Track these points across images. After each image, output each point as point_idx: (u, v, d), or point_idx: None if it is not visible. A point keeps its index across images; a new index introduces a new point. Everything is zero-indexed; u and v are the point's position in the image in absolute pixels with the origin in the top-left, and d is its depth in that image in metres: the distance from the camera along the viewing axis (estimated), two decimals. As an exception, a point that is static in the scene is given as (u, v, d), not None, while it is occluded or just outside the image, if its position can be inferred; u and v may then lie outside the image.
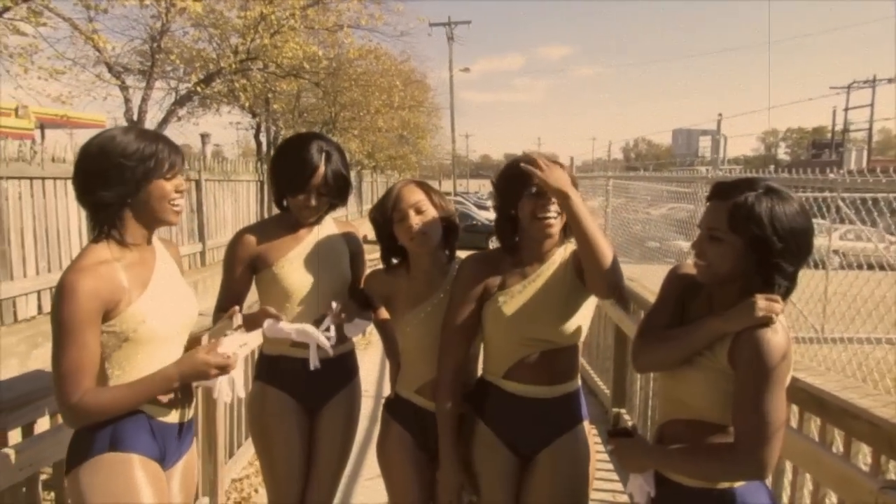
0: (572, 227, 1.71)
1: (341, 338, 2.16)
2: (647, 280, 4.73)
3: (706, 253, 1.51)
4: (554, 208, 1.78)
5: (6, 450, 1.80)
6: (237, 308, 1.93)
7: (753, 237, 1.44)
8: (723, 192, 1.50)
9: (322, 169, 2.09)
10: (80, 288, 1.51)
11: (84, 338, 1.51)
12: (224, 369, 1.68)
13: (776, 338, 1.43)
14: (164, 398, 1.71)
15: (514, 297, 1.87)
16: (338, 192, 2.16)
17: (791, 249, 1.44)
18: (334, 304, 2.08)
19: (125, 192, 1.61)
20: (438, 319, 1.96)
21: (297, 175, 2.08)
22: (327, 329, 2.07)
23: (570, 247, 1.91)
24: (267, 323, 2.02)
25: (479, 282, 1.90)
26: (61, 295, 1.51)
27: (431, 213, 1.99)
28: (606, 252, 1.70)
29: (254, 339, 1.89)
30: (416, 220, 1.96)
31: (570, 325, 1.86)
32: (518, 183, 1.80)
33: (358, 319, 2.14)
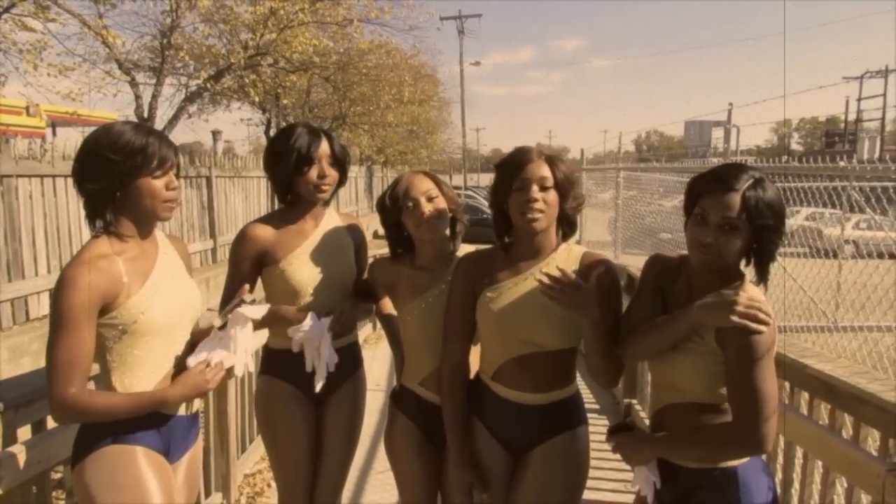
0: (585, 342, 1.71)
1: (347, 329, 2.17)
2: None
3: (718, 243, 1.50)
4: (539, 205, 1.72)
5: (15, 447, 1.80)
6: (247, 287, 1.90)
7: (762, 225, 1.47)
8: (726, 181, 1.50)
9: (324, 140, 2.13)
10: (79, 281, 1.52)
11: (80, 331, 1.51)
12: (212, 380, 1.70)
13: (760, 296, 1.47)
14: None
15: (503, 294, 1.82)
16: (342, 165, 2.18)
17: (780, 228, 1.50)
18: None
19: (111, 186, 1.60)
20: (440, 310, 1.95)
21: (304, 148, 2.08)
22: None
23: (577, 249, 1.86)
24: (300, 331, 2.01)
25: (473, 278, 1.88)
26: (61, 287, 1.52)
27: (441, 201, 1.99)
28: (613, 374, 1.74)
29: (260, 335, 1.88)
30: (426, 208, 1.96)
31: (562, 329, 1.77)
32: (506, 176, 1.77)
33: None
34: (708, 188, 1.53)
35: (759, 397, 1.44)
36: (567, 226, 1.85)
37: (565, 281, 1.61)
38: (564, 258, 1.83)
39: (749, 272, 1.59)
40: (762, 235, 1.49)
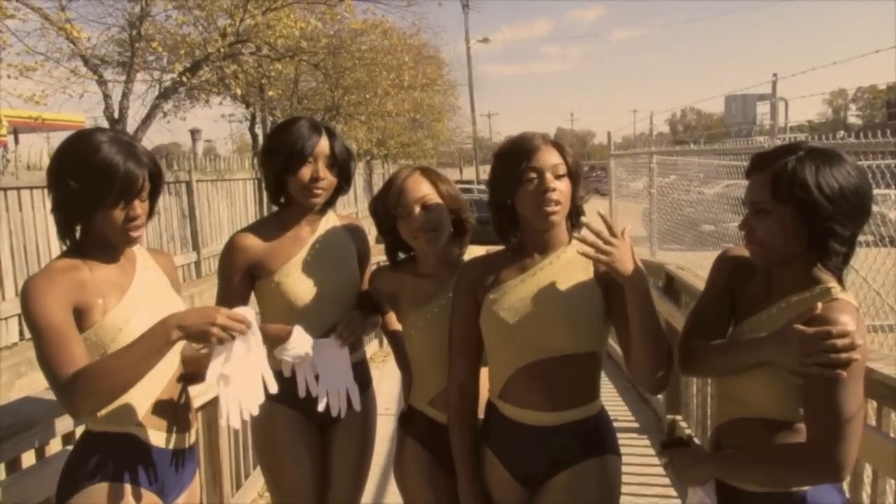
0: (631, 319, 1.65)
1: (352, 347, 2.18)
2: (701, 268, 4.68)
3: (755, 230, 1.51)
4: (556, 195, 1.70)
5: (-11, 488, 1.85)
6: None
7: (801, 203, 1.44)
8: (761, 163, 1.51)
9: (324, 138, 2.12)
10: (43, 284, 1.58)
11: (60, 323, 1.55)
12: (228, 333, 1.61)
13: (846, 321, 1.42)
14: (161, 423, 1.75)
15: (507, 294, 1.79)
16: (343, 168, 2.18)
17: (844, 211, 1.44)
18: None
19: (72, 215, 1.66)
20: (446, 322, 1.94)
21: (298, 144, 2.07)
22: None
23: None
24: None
25: (475, 286, 1.86)
26: (27, 299, 1.57)
27: (439, 208, 1.97)
28: (662, 368, 1.66)
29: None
30: (422, 218, 1.95)
31: (577, 327, 1.73)
32: (511, 167, 1.74)
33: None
34: (750, 171, 1.55)
35: (840, 418, 1.41)
36: (576, 217, 1.85)
37: (601, 240, 1.59)
38: (574, 253, 1.79)
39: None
40: (807, 219, 1.45)
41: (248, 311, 1.71)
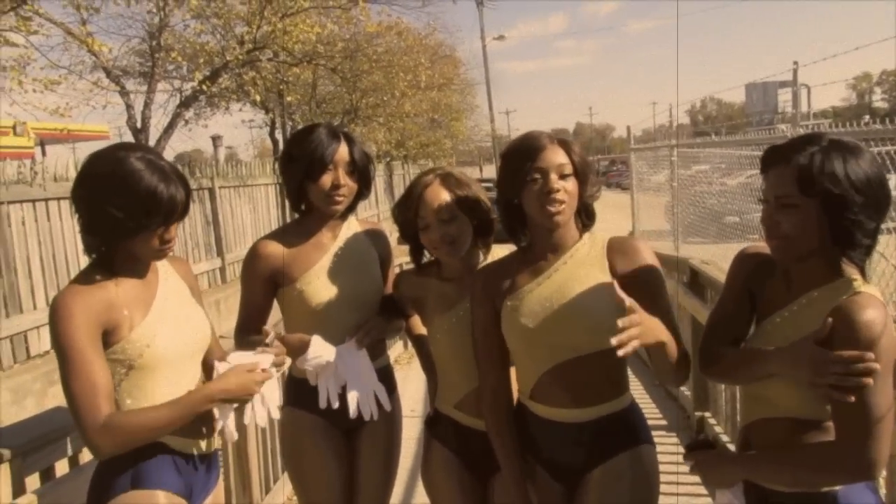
0: (655, 359, 1.71)
1: (376, 353, 2.20)
2: (725, 261, 4.62)
3: (780, 225, 1.48)
4: (560, 195, 1.70)
5: (25, 497, 1.88)
6: (267, 329, 1.97)
7: (829, 196, 1.42)
8: (779, 156, 1.49)
9: (343, 144, 2.13)
10: (73, 306, 1.59)
11: (89, 355, 1.57)
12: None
13: (872, 314, 1.40)
14: (189, 430, 1.76)
15: (525, 299, 1.80)
16: (363, 173, 2.18)
17: (870, 203, 1.43)
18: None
19: (108, 240, 1.67)
20: (471, 325, 1.94)
21: (318, 151, 2.08)
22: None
23: (601, 238, 1.84)
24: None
25: (491, 294, 1.86)
26: (56, 317, 1.58)
27: (460, 219, 1.96)
28: (682, 373, 1.74)
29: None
30: (441, 231, 1.94)
31: (597, 326, 1.69)
32: (517, 167, 1.74)
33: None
34: (767, 164, 1.53)
35: (869, 415, 1.39)
36: (586, 215, 1.84)
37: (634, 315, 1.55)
38: (587, 250, 1.81)
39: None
40: (832, 211, 1.44)
41: (270, 355, 1.85)
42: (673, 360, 1.66)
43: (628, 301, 1.54)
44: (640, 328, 1.51)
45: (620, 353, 1.47)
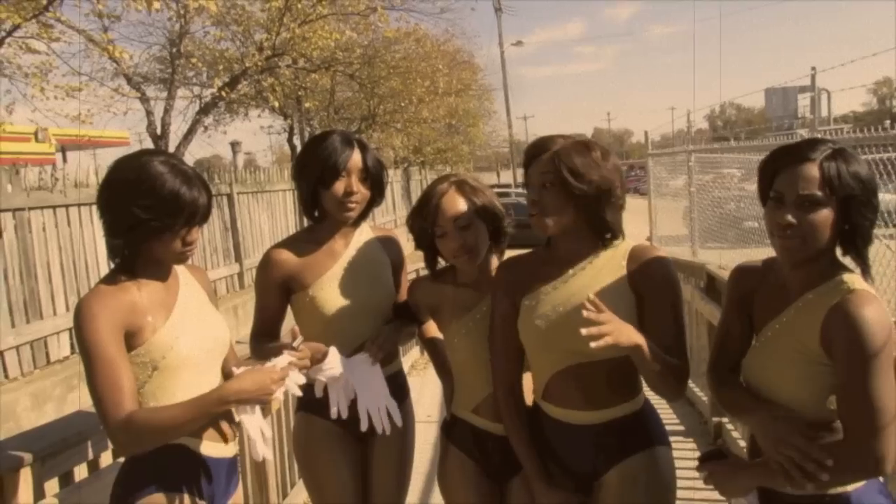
0: (638, 367, 1.71)
1: (388, 358, 2.20)
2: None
3: (801, 224, 1.47)
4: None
5: (46, 501, 1.90)
6: (296, 329, 2.02)
7: (849, 196, 1.45)
8: (799, 155, 1.49)
9: (357, 151, 2.13)
10: (96, 307, 1.63)
11: (112, 354, 1.60)
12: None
13: (873, 310, 1.42)
14: (212, 433, 1.80)
15: (542, 300, 1.81)
16: (376, 181, 2.19)
17: (876, 205, 1.48)
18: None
19: (133, 242, 1.69)
20: (487, 330, 1.96)
21: (332, 158, 2.09)
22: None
23: (624, 245, 1.82)
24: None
25: (512, 289, 1.88)
26: (80, 318, 1.62)
27: (476, 227, 1.98)
28: (674, 387, 1.76)
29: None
30: (458, 240, 1.95)
31: None
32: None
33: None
34: (781, 164, 1.52)
35: (874, 410, 1.40)
36: (606, 227, 1.82)
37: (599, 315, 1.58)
38: (609, 256, 1.80)
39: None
40: (852, 211, 1.46)
41: (288, 356, 1.83)
42: (655, 370, 1.65)
43: (592, 297, 1.59)
44: (611, 325, 1.54)
45: (592, 345, 1.51)
